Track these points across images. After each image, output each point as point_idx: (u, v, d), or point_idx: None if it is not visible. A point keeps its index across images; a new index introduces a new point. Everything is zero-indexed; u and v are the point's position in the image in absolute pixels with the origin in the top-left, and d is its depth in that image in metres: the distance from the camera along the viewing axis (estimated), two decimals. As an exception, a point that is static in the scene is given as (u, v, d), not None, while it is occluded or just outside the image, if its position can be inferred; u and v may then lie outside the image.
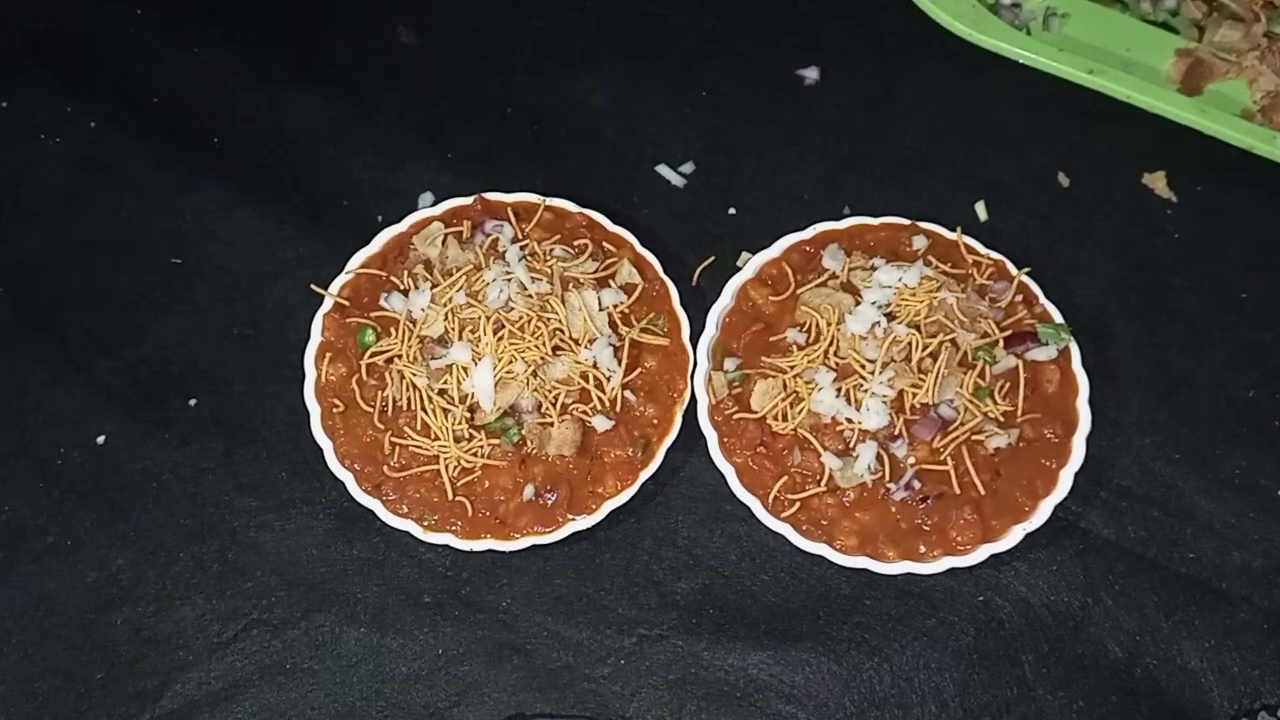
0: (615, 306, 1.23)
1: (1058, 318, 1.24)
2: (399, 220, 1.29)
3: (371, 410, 1.18)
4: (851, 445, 1.15)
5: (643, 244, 1.28)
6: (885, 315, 1.19)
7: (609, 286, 1.24)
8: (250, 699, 1.13)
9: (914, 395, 1.15)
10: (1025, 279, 1.25)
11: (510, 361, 1.16)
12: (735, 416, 1.19)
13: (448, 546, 1.15)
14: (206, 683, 1.14)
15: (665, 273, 1.27)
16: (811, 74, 1.46)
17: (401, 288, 1.23)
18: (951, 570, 1.14)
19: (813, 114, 1.44)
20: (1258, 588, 1.18)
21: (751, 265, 1.28)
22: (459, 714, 1.12)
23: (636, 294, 1.25)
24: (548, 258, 1.24)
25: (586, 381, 1.18)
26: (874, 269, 1.23)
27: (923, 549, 1.14)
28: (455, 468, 1.16)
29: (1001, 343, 1.19)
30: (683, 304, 1.25)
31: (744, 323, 1.24)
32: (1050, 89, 1.39)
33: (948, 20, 1.43)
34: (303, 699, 1.13)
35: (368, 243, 1.28)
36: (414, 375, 1.17)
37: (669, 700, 1.13)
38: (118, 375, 1.27)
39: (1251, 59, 1.39)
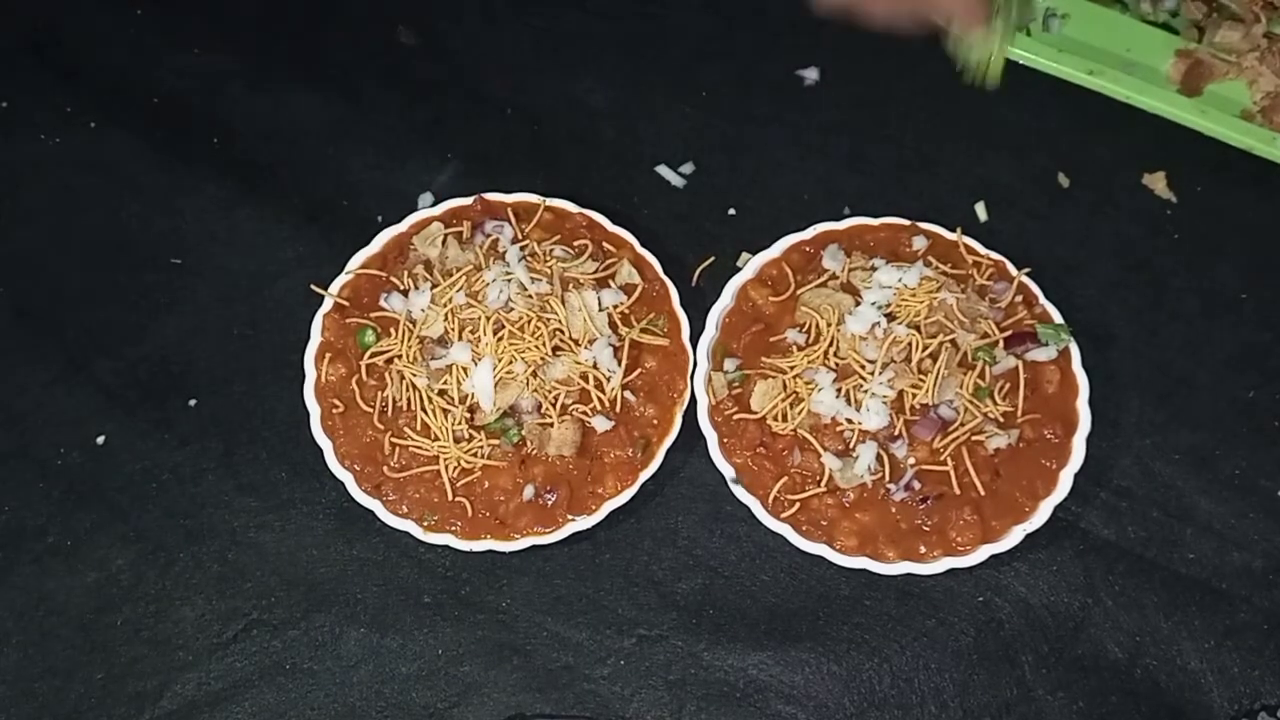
0: (615, 307, 1.23)
1: (1057, 318, 1.24)
2: (399, 220, 1.29)
3: (371, 410, 1.18)
4: (851, 446, 1.15)
5: (643, 244, 1.28)
6: (885, 316, 1.19)
7: (609, 287, 1.24)
8: (250, 699, 1.13)
9: (914, 396, 1.15)
10: (1025, 279, 1.25)
11: (510, 362, 1.16)
12: (735, 417, 1.19)
13: (448, 547, 1.15)
14: (206, 683, 1.13)
15: (665, 273, 1.27)
16: (811, 74, 1.46)
17: (401, 288, 1.23)
18: (951, 571, 1.14)
19: (813, 114, 1.43)
20: (1258, 588, 1.18)
21: (751, 266, 1.28)
22: (459, 714, 1.12)
23: (636, 294, 1.25)
24: (548, 258, 1.24)
25: (586, 382, 1.18)
26: (874, 269, 1.23)
27: (923, 549, 1.14)
28: (455, 468, 1.16)
29: (1001, 343, 1.19)
30: (683, 304, 1.25)
31: (744, 323, 1.24)
32: (1050, 89, 1.38)
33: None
34: (303, 699, 1.13)
35: (368, 243, 1.28)
36: (414, 376, 1.17)
37: (669, 700, 1.13)
38: (118, 375, 1.27)
39: (1251, 60, 1.38)
